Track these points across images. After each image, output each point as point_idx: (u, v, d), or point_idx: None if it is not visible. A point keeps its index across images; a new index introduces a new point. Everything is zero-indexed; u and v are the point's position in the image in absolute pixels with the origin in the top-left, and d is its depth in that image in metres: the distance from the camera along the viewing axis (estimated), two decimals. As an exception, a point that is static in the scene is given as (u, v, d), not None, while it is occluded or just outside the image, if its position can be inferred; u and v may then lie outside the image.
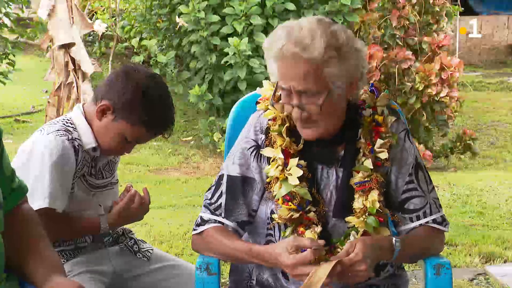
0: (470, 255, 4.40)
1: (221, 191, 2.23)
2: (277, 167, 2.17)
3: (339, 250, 2.13)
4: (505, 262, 4.31)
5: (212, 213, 2.22)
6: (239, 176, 2.22)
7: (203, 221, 2.23)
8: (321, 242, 2.01)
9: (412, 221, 2.22)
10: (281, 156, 2.17)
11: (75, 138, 2.42)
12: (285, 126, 2.19)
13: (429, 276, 2.23)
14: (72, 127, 2.44)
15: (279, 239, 2.20)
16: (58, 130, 2.40)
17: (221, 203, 2.22)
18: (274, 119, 2.22)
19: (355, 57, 2.11)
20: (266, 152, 2.20)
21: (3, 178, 2.01)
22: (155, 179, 6.42)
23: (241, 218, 2.21)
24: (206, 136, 7.31)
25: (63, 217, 2.43)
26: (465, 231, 4.85)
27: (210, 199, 2.24)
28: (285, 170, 2.16)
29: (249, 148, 2.24)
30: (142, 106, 2.39)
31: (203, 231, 2.22)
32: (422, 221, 2.22)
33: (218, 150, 7.12)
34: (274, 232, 2.22)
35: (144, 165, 6.77)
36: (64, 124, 2.44)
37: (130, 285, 2.60)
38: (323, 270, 1.96)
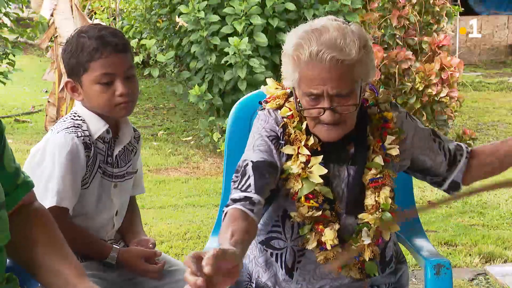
0: (470, 255, 4.40)
1: (248, 175, 2.10)
2: (299, 164, 2.15)
3: (353, 247, 2.16)
4: (505, 262, 4.31)
5: (243, 191, 2.07)
6: (265, 160, 2.13)
7: (233, 201, 2.06)
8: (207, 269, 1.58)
9: (460, 161, 2.30)
10: (307, 152, 2.14)
11: (84, 131, 2.39)
12: (304, 123, 2.18)
13: (429, 276, 2.23)
14: (81, 120, 2.42)
15: (291, 236, 2.20)
16: (67, 127, 2.39)
17: (250, 183, 2.08)
18: (291, 116, 2.20)
19: (372, 52, 2.14)
20: (287, 149, 2.16)
21: (5, 175, 2.01)
22: (155, 179, 6.42)
23: (265, 198, 2.10)
24: (206, 136, 7.31)
25: (75, 226, 2.40)
26: (465, 231, 4.85)
27: (238, 185, 2.10)
28: (307, 168, 2.15)
29: (269, 136, 2.18)
30: (74, 50, 2.38)
31: (228, 210, 2.04)
32: (465, 154, 2.31)
33: (218, 150, 7.11)
34: (284, 229, 2.20)
35: (144, 165, 6.77)
36: (72, 119, 2.42)
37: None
38: None
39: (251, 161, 2.13)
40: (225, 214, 2.07)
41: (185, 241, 4.63)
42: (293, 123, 2.18)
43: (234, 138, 2.35)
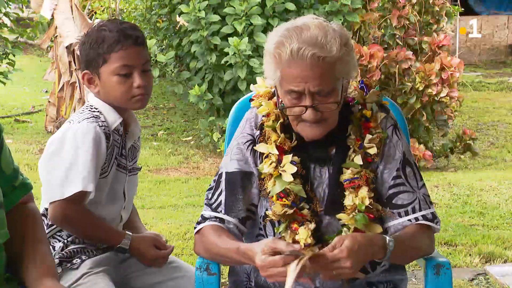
0: (470, 255, 4.39)
1: (221, 189, 2.22)
2: (270, 163, 2.17)
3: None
4: (505, 262, 4.31)
5: (213, 210, 2.21)
6: (238, 171, 2.21)
7: (204, 219, 2.22)
8: (297, 246, 1.96)
9: (401, 216, 2.19)
10: (276, 152, 2.17)
11: (103, 122, 2.43)
12: (279, 122, 2.19)
13: (429, 276, 2.23)
14: (98, 111, 2.46)
15: (273, 236, 2.19)
16: (87, 117, 2.42)
17: (221, 200, 2.21)
18: (268, 115, 2.22)
19: (354, 50, 2.14)
20: (260, 147, 2.20)
21: (3, 177, 2.01)
22: (155, 179, 6.42)
23: (241, 215, 2.20)
24: (206, 136, 7.31)
25: (92, 212, 2.43)
26: (465, 231, 4.84)
27: (210, 198, 2.23)
28: (279, 167, 2.16)
29: (245, 142, 2.24)
30: (94, 42, 2.43)
31: (202, 228, 2.21)
32: (411, 216, 2.18)
33: (218, 150, 7.12)
34: (266, 231, 2.21)
35: (144, 165, 6.77)
36: (90, 111, 2.46)
37: (131, 284, 2.59)
38: (293, 266, 1.90)
39: (226, 172, 2.23)
40: (200, 229, 2.20)
41: (185, 241, 4.63)
42: (268, 121, 2.20)
43: (234, 138, 2.36)
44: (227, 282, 2.41)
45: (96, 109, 2.47)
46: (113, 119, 2.47)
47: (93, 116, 2.43)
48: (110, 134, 2.44)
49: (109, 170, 2.46)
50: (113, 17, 9.32)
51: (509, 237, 4.72)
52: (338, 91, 2.10)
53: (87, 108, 2.49)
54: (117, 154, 2.48)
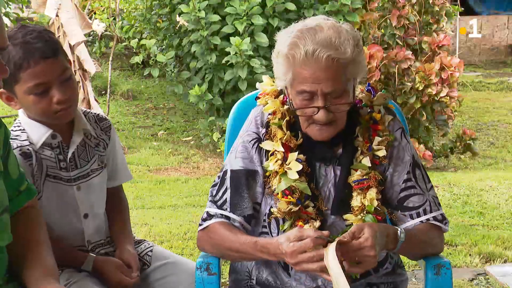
0: (470, 255, 4.40)
1: (226, 187, 2.22)
2: (276, 161, 2.17)
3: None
4: (505, 262, 4.31)
5: (219, 207, 2.21)
6: (243, 169, 2.21)
7: (210, 216, 2.22)
8: (326, 232, 1.97)
9: (412, 218, 2.22)
10: (281, 149, 2.17)
11: (23, 141, 2.27)
12: (285, 119, 2.20)
13: (429, 276, 2.23)
14: (20, 130, 2.30)
15: (277, 234, 2.20)
16: None
17: (226, 198, 2.21)
18: (274, 112, 2.22)
19: (363, 51, 2.15)
20: (266, 145, 2.20)
21: (9, 182, 2.02)
22: (155, 179, 6.42)
23: (246, 212, 2.20)
24: (206, 136, 7.31)
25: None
26: (465, 231, 4.85)
27: (215, 196, 2.23)
28: (285, 164, 2.17)
29: (251, 140, 2.24)
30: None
31: (208, 225, 2.21)
32: (422, 218, 2.21)
33: (218, 150, 7.12)
34: (270, 228, 2.22)
35: (144, 165, 6.77)
36: (12, 130, 2.29)
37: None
38: (331, 253, 1.89)
39: (231, 169, 2.23)
40: (206, 226, 2.20)
41: (185, 241, 4.63)
42: (274, 119, 2.21)
43: (234, 138, 2.35)
44: (227, 282, 2.41)
45: (19, 126, 2.31)
46: (39, 134, 2.29)
47: (12, 138, 2.24)
48: (32, 153, 2.27)
49: (41, 190, 2.29)
50: (113, 17, 9.32)
51: (509, 237, 4.72)
52: (349, 92, 2.11)
53: (13, 127, 2.31)
54: (51, 169, 2.31)
